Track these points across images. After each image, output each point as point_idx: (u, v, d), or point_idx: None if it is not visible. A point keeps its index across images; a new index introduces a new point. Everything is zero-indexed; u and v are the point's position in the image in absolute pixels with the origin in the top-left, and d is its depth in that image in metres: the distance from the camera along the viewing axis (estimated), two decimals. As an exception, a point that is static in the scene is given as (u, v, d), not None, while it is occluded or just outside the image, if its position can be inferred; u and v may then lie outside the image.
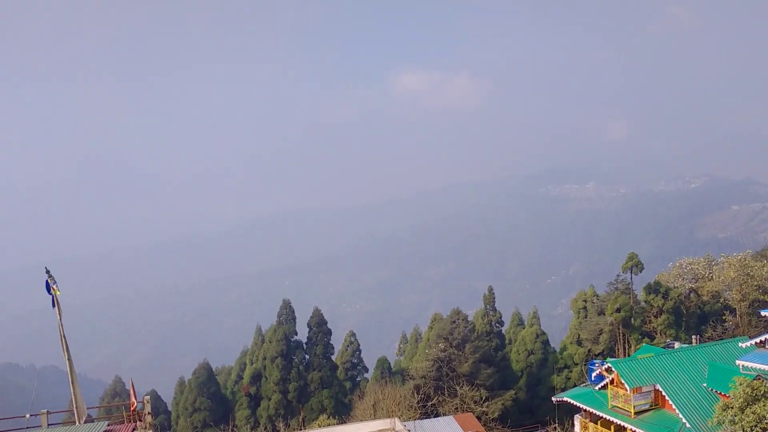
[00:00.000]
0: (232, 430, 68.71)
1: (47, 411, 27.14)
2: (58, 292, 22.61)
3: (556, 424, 65.20)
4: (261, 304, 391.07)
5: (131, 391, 27.53)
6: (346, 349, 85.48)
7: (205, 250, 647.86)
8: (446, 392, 69.83)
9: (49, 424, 26.58)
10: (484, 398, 69.12)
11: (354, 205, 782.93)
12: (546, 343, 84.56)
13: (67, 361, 22.46)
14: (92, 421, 24.16)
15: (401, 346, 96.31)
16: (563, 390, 63.88)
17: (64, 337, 22.50)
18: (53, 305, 22.76)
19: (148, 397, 28.54)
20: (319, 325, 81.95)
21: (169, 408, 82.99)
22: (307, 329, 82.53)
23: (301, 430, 39.34)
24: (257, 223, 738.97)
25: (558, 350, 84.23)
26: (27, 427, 24.95)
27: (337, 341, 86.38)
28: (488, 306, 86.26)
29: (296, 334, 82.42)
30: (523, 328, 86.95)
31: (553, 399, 51.61)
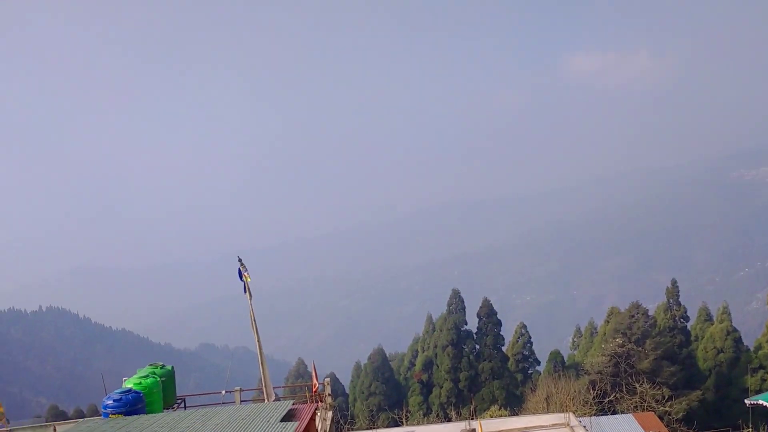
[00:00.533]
0: (405, 415, 70.54)
1: (240, 388, 29.64)
2: (249, 279, 24.42)
3: (750, 429, 59.82)
4: (430, 293, 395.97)
5: (313, 373, 29.18)
6: (517, 341, 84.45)
7: (377, 239, 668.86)
8: (624, 389, 66.64)
9: (241, 401, 29.02)
10: (666, 397, 65.12)
11: (524, 195, 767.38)
12: (738, 340, 77.63)
13: (257, 343, 24.29)
14: (278, 400, 26.05)
15: (575, 339, 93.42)
16: (758, 392, 58.38)
17: (255, 320, 24.34)
18: (245, 291, 24.62)
19: (328, 379, 30.15)
20: (489, 316, 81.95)
21: (347, 390, 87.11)
22: (477, 319, 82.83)
23: (472, 419, 39.52)
24: (425, 212, 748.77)
25: (752, 349, 77.07)
26: (223, 402, 27.31)
27: (507, 332, 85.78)
28: (671, 300, 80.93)
29: (466, 324, 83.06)
30: (712, 324, 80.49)
31: (747, 402, 47.37)
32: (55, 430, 25.47)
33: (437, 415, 74.83)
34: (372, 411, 79.05)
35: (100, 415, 22.05)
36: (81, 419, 23.90)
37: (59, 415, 78.09)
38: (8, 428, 29.26)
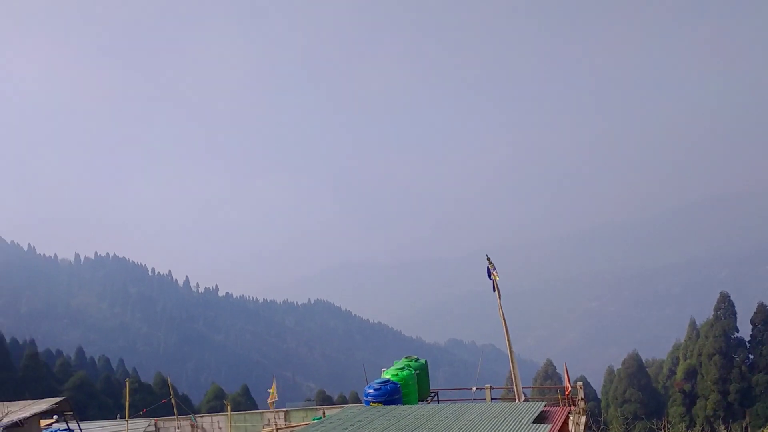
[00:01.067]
0: (665, 425, 65.63)
1: (490, 386, 29.85)
2: (497, 278, 24.47)
3: None
4: (693, 296, 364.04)
5: (565, 375, 28.42)
6: (802, 352, 74.26)
7: (630, 238, 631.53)
8: None
9: (492, 398, 29.19)
10: None
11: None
12: None
13: (507, 342, 24.18)
14: (527, 400, 25.75)
15: None
16: None
17: (504, 319, 24.33)
18: (493, 289, 24.73)
19: (581, 383, 29.13)
20: (766, 323, 73.77)
21: (598, 395, 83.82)
22: (751, 326, 75.24)
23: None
24: (685, 208, 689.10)
25: None
26: (474, 399, 27.72)
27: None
28: None
29: (737, 331, 75.97)
30: None
31: None
32: (324, 413, 28.05)
33: (702, 429, 69.01)
34: (627, 419, 75.11)
35: (361, 402, 23.71)
36: (345, 405, 25.99)
37: (326, 400, 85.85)
38: (275, 408, 32.88)
